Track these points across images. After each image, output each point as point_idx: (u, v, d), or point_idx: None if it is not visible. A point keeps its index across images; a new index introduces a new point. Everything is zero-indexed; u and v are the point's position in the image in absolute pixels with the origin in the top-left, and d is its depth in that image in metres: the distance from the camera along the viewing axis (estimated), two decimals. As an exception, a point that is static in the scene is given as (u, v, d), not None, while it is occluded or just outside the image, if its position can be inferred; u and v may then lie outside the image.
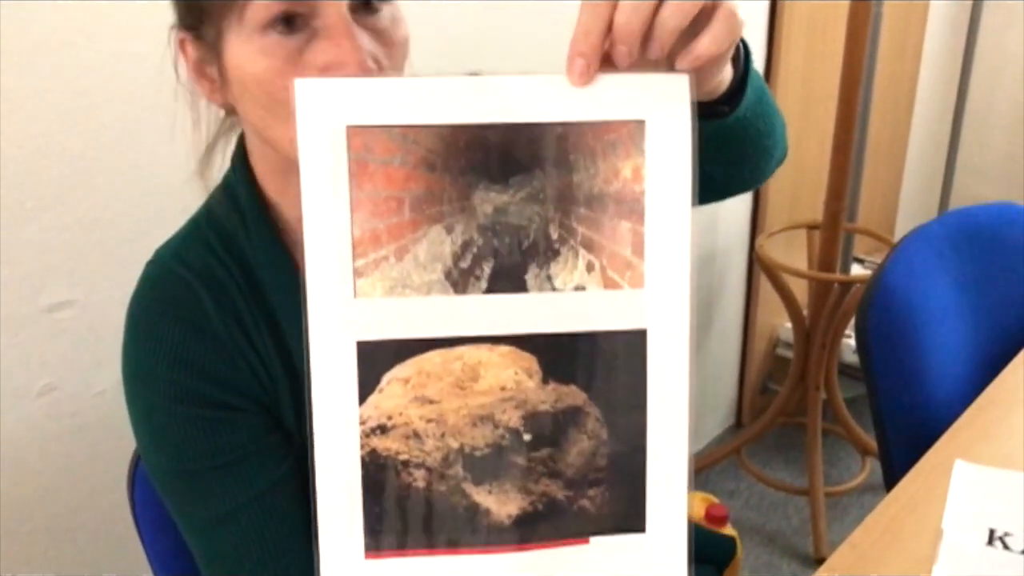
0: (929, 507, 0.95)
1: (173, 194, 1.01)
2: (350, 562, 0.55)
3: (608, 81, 0.52)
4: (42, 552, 1.16)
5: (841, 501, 2.16)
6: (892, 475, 1.18)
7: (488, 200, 0.54)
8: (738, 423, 2.46)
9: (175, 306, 0.73)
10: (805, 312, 2.10)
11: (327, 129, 0.52)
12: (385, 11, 0.69)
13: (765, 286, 2.20)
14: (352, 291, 0.53)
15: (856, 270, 2.29)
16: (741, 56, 0.65)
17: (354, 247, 0.53)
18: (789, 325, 2.18)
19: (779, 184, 2.26)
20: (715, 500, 1.33)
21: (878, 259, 2.16)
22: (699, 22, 0.54)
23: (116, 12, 1.07)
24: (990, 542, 0.90)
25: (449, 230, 0.54)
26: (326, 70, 0.66)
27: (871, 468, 2.20)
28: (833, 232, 2.00)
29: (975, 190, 3.11)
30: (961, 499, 0.96)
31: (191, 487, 0.73)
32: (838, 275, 2.04)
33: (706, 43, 0.53)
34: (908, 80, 2.74)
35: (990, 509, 0.94)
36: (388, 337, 0.54)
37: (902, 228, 2.92)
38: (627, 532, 0.57)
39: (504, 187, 0.53)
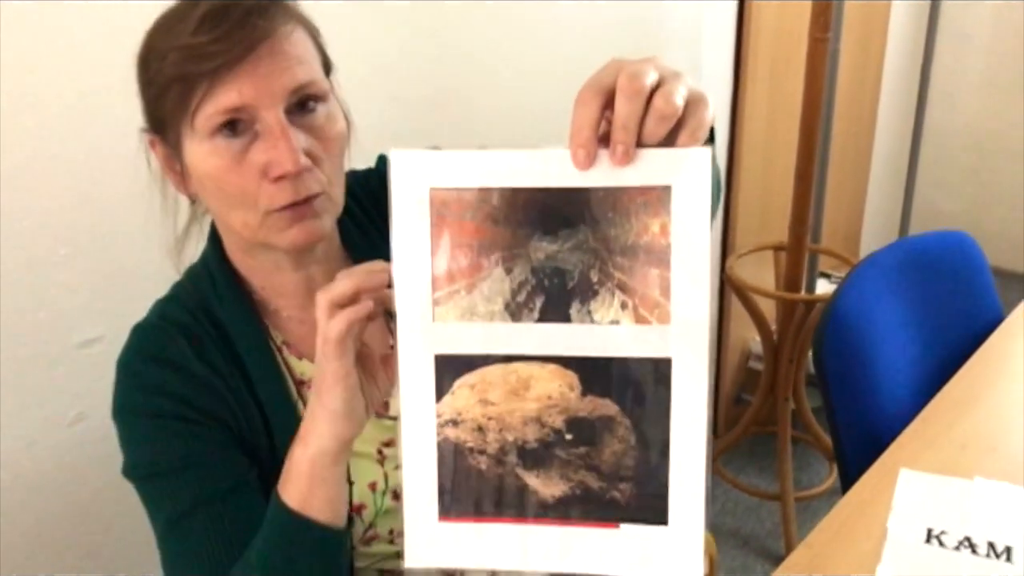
0: (877, 510, 1.06)
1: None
2: (427, 523, 0.68)
3: (642, 154, 0.63)
4: (75, 571, 1.24)
5: (811, 505, 2.24)
6: (847, 480, 1.28)
7: (541, 248, 0.65)
8: (714, 433, 2.55)
9: (155, 350, 0.83)
10: (774, 328, 2.20)
11: (414, 190, 0.65)
12: (320, 111, 0.79)
13: (737, 304, 2.29)
14: (431, 316, 0.66)
15: (823, 285, 2.39)
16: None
17: (433, 282, 0.66)
18: (760, 339, 2.29)
19: (748, 207, 2.37)
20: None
21: (844, 273, 2.26)
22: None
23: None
24: (928, 540, 1.01)
25: (508, 271, 0.66)
26: (266, 168, 0.77)
27: (838, 473, 2.29)
28: (797, 254, 2.11)
29: (935, 205, 3.26)
30: (905, 503, 1.07)
31: (156, 487, 0.82)
32: (803, 295, 2.14)
33: (685, 139, 0.63)
34: (869, 105, 2.87)
35: (929, 511, 1.05)
36: (459, 352, 0.67)
37: (867, 243, 3.03)
38: (652, 524, 0.67)
39: (554, 238, 0.65)
